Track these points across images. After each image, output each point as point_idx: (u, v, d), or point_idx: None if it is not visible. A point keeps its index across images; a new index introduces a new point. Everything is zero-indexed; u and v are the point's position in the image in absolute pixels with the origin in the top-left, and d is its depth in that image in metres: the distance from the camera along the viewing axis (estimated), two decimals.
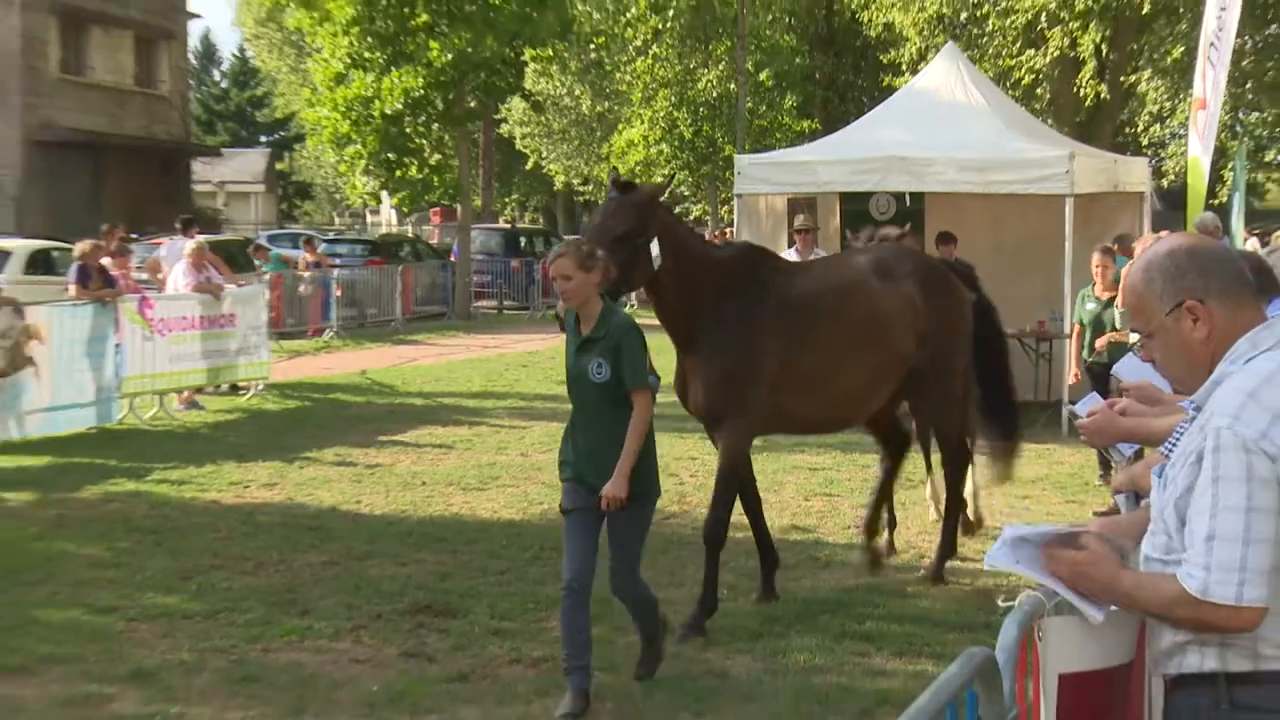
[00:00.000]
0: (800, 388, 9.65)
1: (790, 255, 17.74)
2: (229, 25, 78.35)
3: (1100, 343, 12.17)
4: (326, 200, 63.00)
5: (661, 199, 9.16)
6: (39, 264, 27.75)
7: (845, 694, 7.88)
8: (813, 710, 7.61)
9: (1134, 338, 6.62)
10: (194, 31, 62.11)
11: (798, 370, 9.23)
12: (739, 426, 9.59)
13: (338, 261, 36.23)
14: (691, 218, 49.23)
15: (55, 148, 47.07)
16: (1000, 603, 3.21)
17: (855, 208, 19.68)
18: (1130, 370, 5.87)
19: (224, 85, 78.00)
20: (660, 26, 44.30)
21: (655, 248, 9.06)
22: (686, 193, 48.54)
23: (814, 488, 13.94)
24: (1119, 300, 11.87)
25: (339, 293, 31.93)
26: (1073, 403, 5.46)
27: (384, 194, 43.81)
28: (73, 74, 49.01)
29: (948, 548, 10.75)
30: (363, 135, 36.40)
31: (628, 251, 8.80)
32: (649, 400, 7.22)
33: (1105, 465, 12.46)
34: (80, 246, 20.08)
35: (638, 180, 47.57)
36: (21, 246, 28.96)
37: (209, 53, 75.74)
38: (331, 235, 50.43)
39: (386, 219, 54.86)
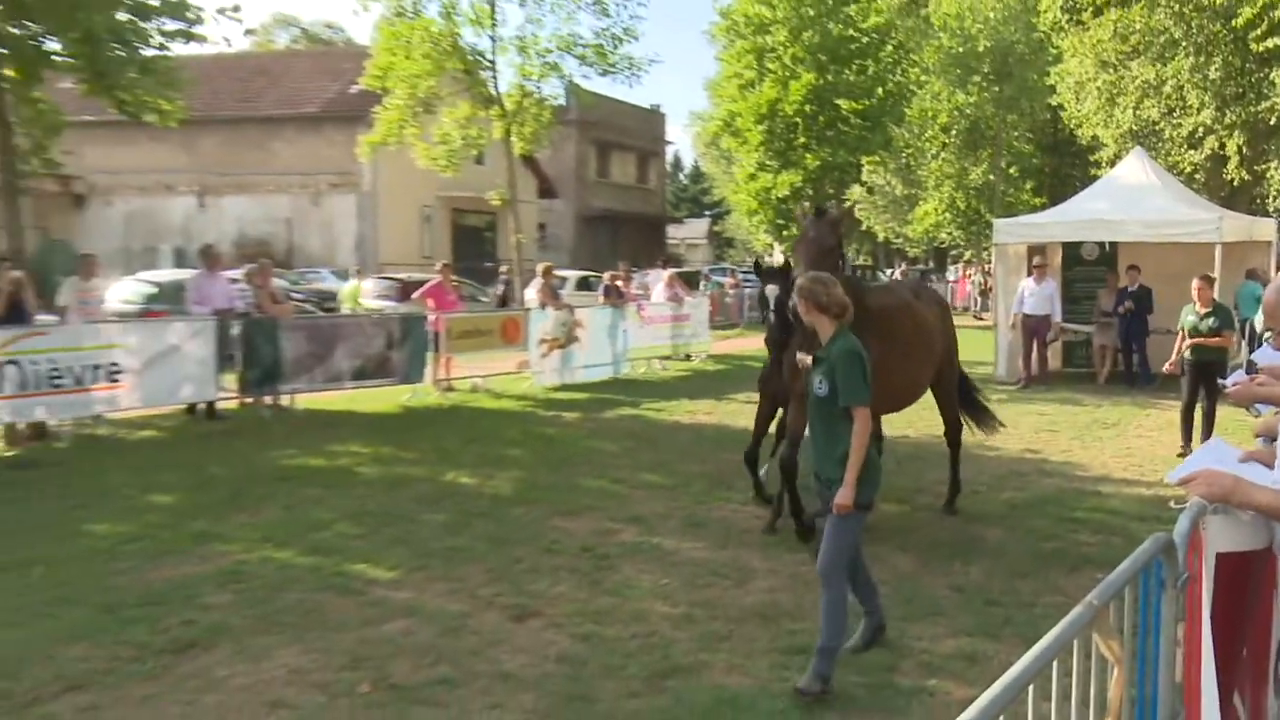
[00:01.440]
0: (885, 381, 7.07)
1: (1029, 283, 17.18)
2: (689, 147, 79.55)
3: (1187, 344, 11.15)
4: (742, 248, 63.56)
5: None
6: (582, 285, 28.89)
7: (1062, 555, 7.54)
8: (1040, 563, 7.32)
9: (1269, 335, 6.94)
10: (669, 151, 63.31)
11: (886, 367, 7.03)
12: (864, 413, 7.23)
13: (747, 284, 36.52)
14: (964, 260, 47.93)
15: (592, 219, 48.94)
16: (1173, 505, 3.07)
17: (1071, 252, 18.85)
18: (1265, 356, 6.24)
19: (685, 182, 79.64)
20: (946, 141, 43.14)
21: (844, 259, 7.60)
22: (962, 243, 47.10)
23: (1041, 426, 13.17)
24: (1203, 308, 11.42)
25: (749, 302, 31.77)
26: (1224, 379, 5.25)
27: (776, 244, 43.93)
28: (602, 178, 50.76)
29: (956, 486, 8.89)
30: (765, 210, 36.88)
31: (833, 261, 7.28)
32: (866, 415, 5.40)
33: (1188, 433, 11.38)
34: (607, 275, 21.11)
35: (929, 234, 46.88)
36: (573, 275, 30.19)
37: (677, 164, 77.30)
38: (744, 269, 51.13)
39: (778, 259, 55.07)
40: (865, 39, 34.74)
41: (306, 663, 5.39)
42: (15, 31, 13.60)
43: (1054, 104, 35.86)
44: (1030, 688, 2.23)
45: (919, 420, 12.85)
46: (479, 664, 5.39)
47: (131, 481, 9.68)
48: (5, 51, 13.53)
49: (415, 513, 8.52)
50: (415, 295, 18.68)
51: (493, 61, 24.53)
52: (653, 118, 55.76)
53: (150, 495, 9.19)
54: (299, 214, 35.93)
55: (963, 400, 9.40)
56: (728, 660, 5.48)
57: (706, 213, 74.82)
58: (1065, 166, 44.78)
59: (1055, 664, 2.40)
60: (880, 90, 35.10)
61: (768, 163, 35.83)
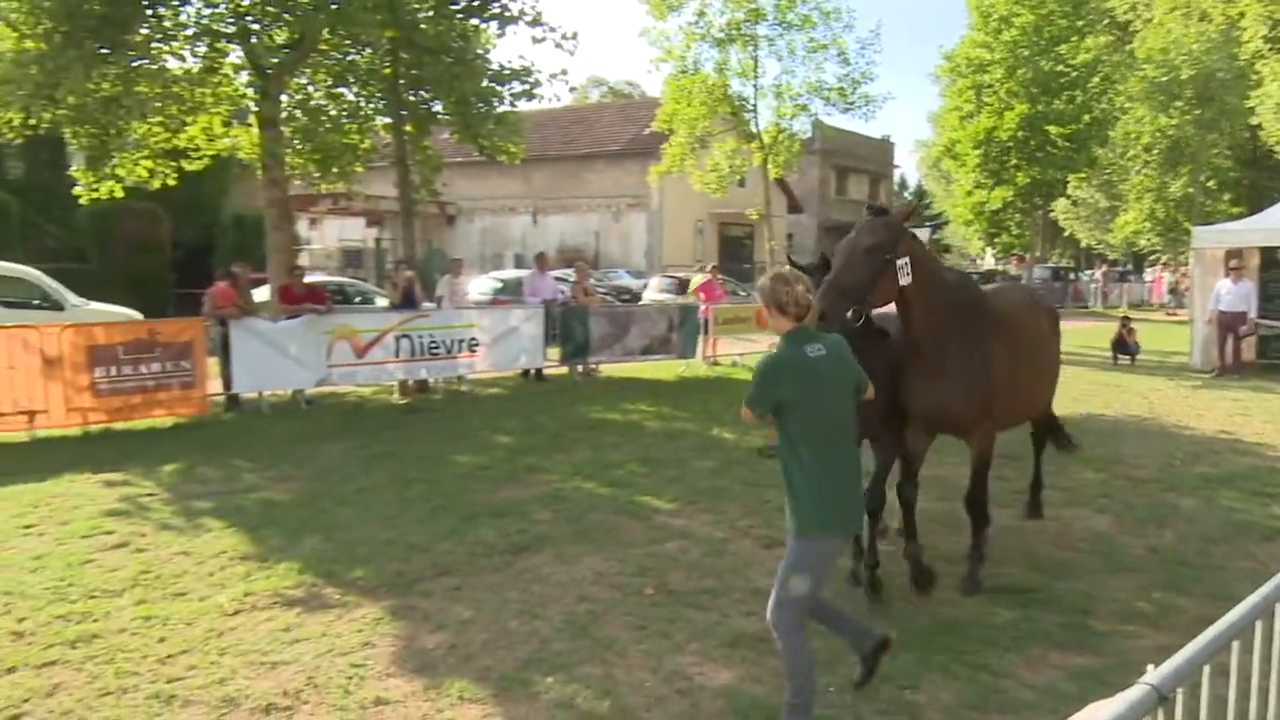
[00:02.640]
0: (1015, 393, 5.43)
1: (1226, 283, 15.16)
2: (914, 169, 75.80)
3: None
4: (958, 253, 59.99)
5: (908, 222, 5.12)
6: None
7: (1255, 526, 6.63)
8: (1233, 531, 6.46)
9: None
10: (896, 173, 60.53)
11: (1014, 378, 5.34)
12: (989, 431, 5.35)
13: None
14: (1160, 263, 42.79)
15: (831, 229, 47.45)
16: None
17: (1270, 255, 16.43)
18: None
19: (909, 198, 75.89)
20: (1147, 159, 38.76)
21: (905, 267, 4.94)
22: (1160, 248, 42.11)
23: (1235, 410, 11.56)
24: None
25: None
26: None
27: (988, 249, 41.16)
28: (840, 195, 49.22)
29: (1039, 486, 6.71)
30: (979, 221, 34.58)
31: (875, 265, 4.78)
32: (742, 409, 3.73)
33: None
34: None
35: (1128, 241, 42.36)
36: None
37: (903, 183, 73.80)
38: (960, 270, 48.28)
39: (988, 262, 51.36)
40: (1074, 73, 31.73)
41: (606, 568, 5.57)
42: (413, 99, 14.84)
43: (1254, 124, 31.53)
44: (1235, 643, 1.97)
45: (1114, 400, 11.73)
46: (736, 580, 5.39)
47: (484, 425, 10.34)
48: (405, 113, 14.78)
49: (688, 459, 8.58)
50: (690, 290, 18.91)
51: (754, 105, 24.60)
52: (883, 146, 53.47)
53: (496, 436, 9.76)
54: (604, 228, 37.20)
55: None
56: (942, 594, 5.21)
57: (927, 223, 71.08)
58: (1263, 179, 39.24)
59: (1259, 624, 2.11)
60: (1087, 116, 31.94)
61: (983, 181, 33.52)
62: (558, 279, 16.67)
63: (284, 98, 13.75)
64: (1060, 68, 31.60)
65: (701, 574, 5.47)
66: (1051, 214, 41.12)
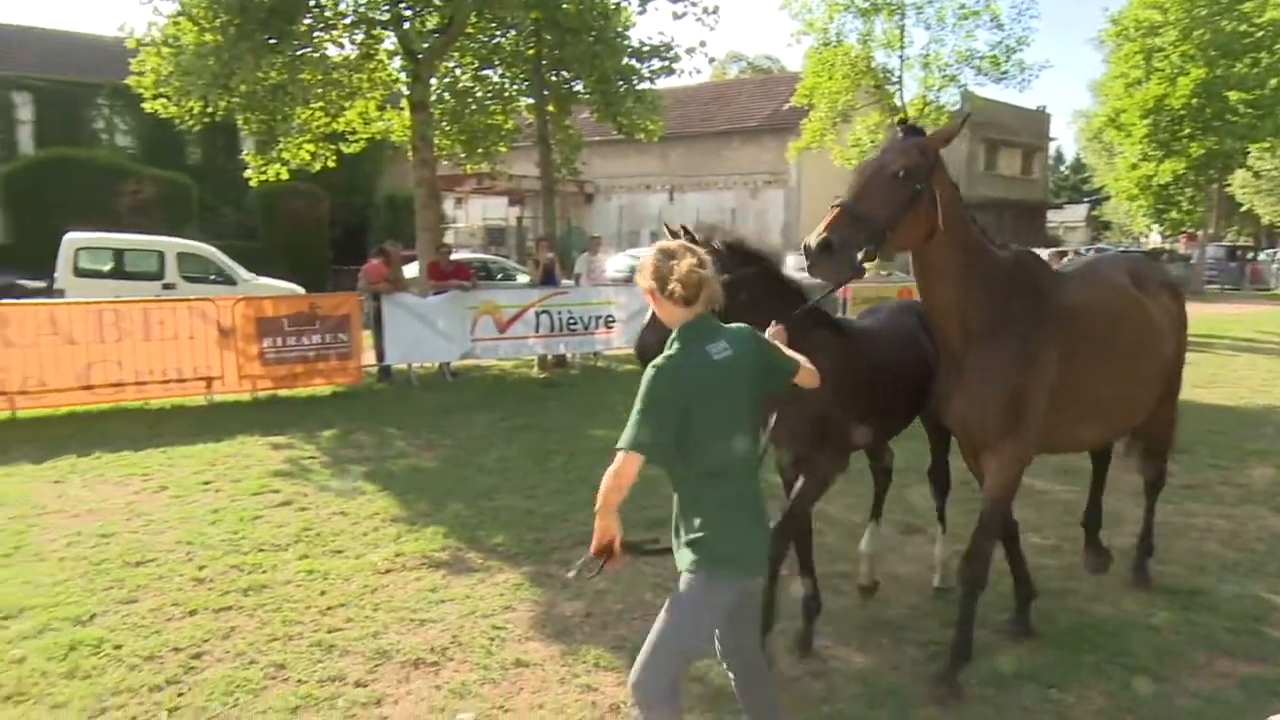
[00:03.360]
0: (1075, 406, 4.01)
1: None
2: (1071, 141, 71.55)
3: None
4: (1119, 230, 56.21)
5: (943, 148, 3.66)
6: None
7: None
8: None
9: None
10: (1051, 146, 57.22)
11: (1081, 386, 3.96)
12: (1015, 453, 3.89)
13: None
14: None
15: (978, 206, 45.50)
16: None
17: None
18: None
19: (1065, 172, 71.53)
20: None
21: (935, 203, 3.58)
22: None
23: None
24: None
25: None
26: None
27: (1154, 227, 38.36)
28: (989, 170, 46.95)
29: (1149, 541, 5.10)
30: (1145, 196, 32.25)
31: (905, 194, 3.46)
32: (624, 460, 2.67)
33: None
34: None
35: None
36: None
37: (1059, 157, 69.72)
38: (1120, 248, 45.16)
39: (1154, 240, 47.89)
40: (1260, 33, 28.96)
41: None
42: (555, 79, 15.12)
43: None
44: None
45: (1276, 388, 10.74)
46: (875, 565, 5.29)
47: (620, 400, 10.46)
48: (547, 93, 15.08)
49: None
50: None
51: (899, 77, 23.77)
52: (1038, 117, 50.52)
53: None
54: (740, 205, 36.87)
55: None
56: (1093, 590, 4.95)
57: (1086, 199, 66.86)
58: None
59: None
60: (1275, 80, 29.14)
61: (1150, 153, 31.15)
62: None
63: (433, 81, 14.27)
64: (1244, 28, 28.95)
65: (836, 558, 5.38)
66: (1228, 188, 37.82)
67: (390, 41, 13.98)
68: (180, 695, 3.77)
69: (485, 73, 15.41)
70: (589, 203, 38.90)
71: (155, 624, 4.43)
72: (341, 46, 13.83)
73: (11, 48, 26.58)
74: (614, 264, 20.12)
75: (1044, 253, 17.18)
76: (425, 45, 13.40)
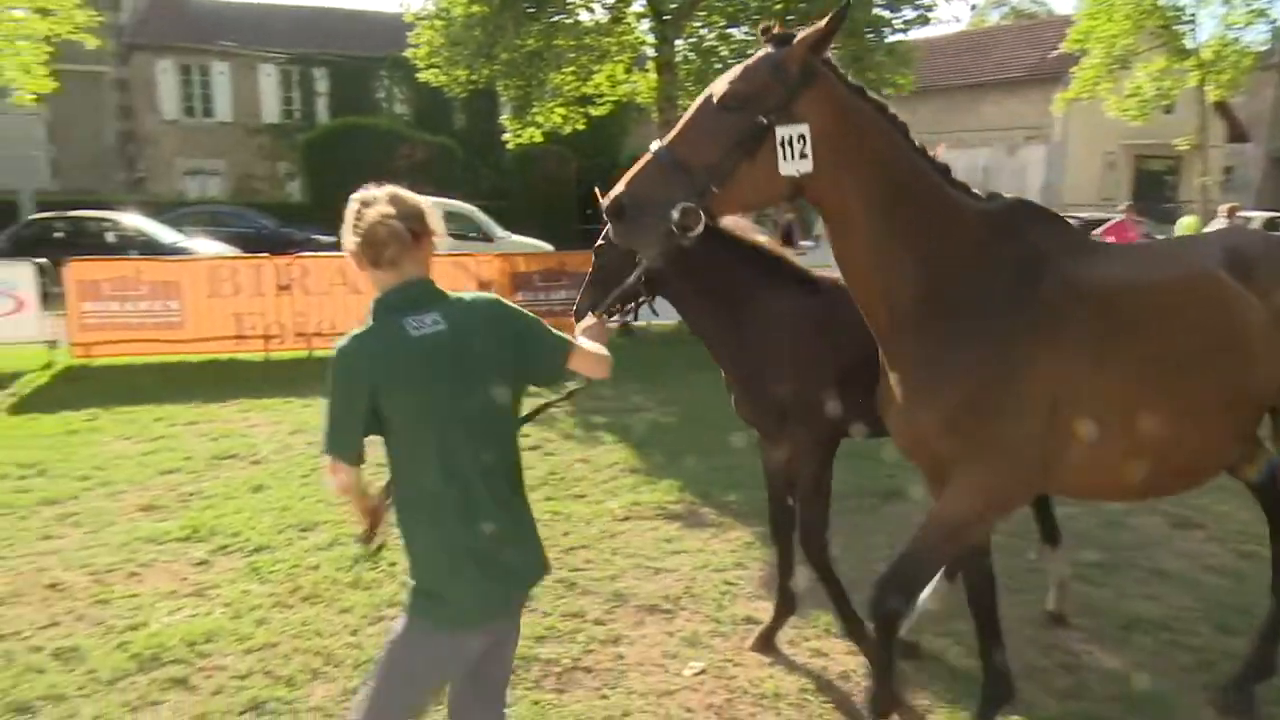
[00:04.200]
0: (1117, 434, 2.62)
1: None
2: None
3: None
4: None
5: (823, 53, 2.49)
6: (1270, 226, 23.63)
7: None
8: None
9: None
10: None
11: (1093, 402, 2.59)
12: (980, 481, 2.63)
13: None
14: None
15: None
16: None
17: None
18: None
19: None
20: None
21: (796, 142, 2.43)
22: None
23: None
24: None
25: None
26: None
27: None
28: None
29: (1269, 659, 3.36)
30: None
31: (736, 131, 2.41)
32: (336, 470, 2.18)
33: None
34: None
35: None
36: (1259, 215, 24.84)
37: None
38: None
39: None
40: None
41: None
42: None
43: None
44: None
45: None
46: (1137, 557, 4.84)
47: None
48: None
49: None
50: (1097, 232, 16.89)
51: (1193, 15, 20.98)
52: None
53: None
54: (995, 163, 34.41)
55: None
56: None
57: None
58: None
59: None
60: None
61: None
62: None
63: (678, 42, 14.39)
64: None
65: (1095, 546, 4.97)
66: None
67: (640, 4, 14.23)
68: None
69: (730, 31, 15.32)
70: None
71: None
72: (592, 11, 14.28)
73: (312, 27, 29.82)
74: None
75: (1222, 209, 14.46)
76: (674, 6, 13.52)
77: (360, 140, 24.84)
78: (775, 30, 2.59)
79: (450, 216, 17.15)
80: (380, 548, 2.36)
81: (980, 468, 2.65)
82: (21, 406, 8.21)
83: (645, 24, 14.68)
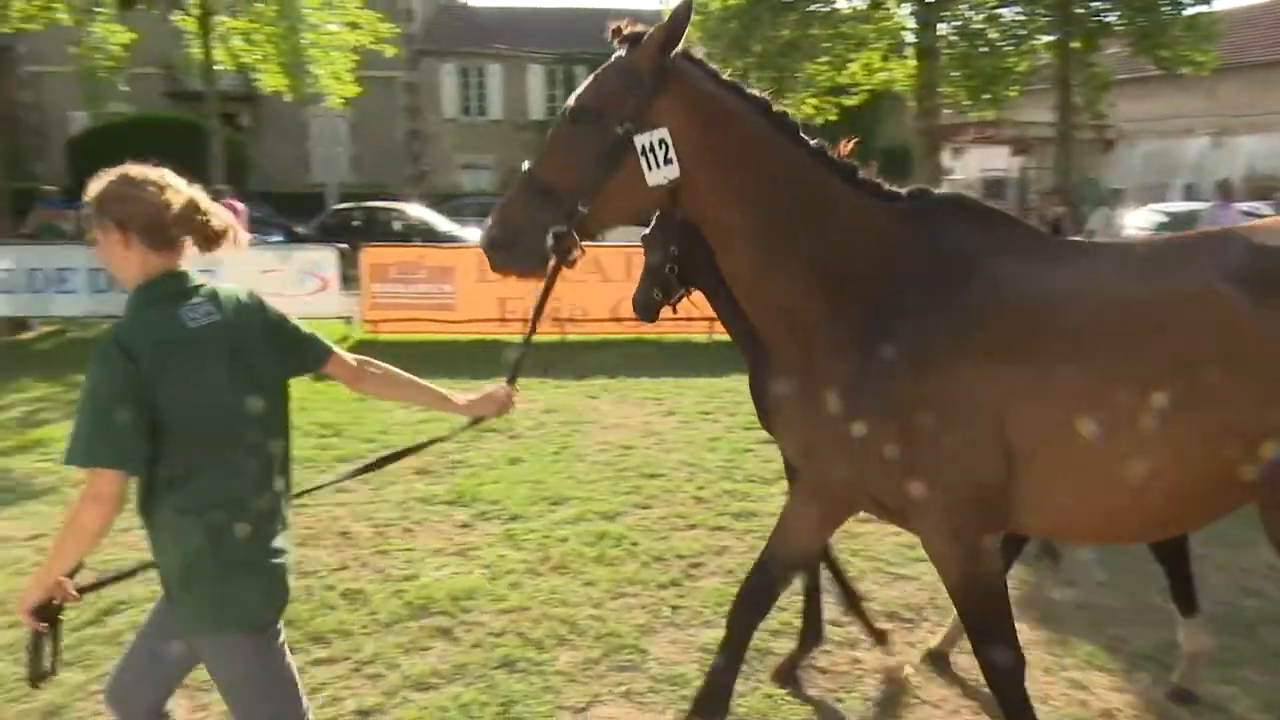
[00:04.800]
0: (1044, 471, 2.22)
1: None
2: None
3: None
4: None
5: (677, 50, 2.26)
6: None
7: None
8: None
9: None
10: None
11: (1021, 428, 2.19)
12: (937, 523, 2.34)
13: None
14: None
15: None
16: None
17: None
18: None
19: None
20: None
21: (657, 149, 2.25)
22: None
23: None
24: None
25: None
26: None
27: None
28: None
29: None
30: None
31: (595, 146, 2.27)
32: (94, 483, 1.92)
33: None
34: None
35: None
36: None
37: None
38: None
39: None
40: None
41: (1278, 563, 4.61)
42: (1082, 11, 13.55)
43: None
44: None
45: None
46: None
47: None
48: (1072, 29, 13.58)
49: None
50: None
51: None
52: None
53: None
54: None
55: None
56: None
57: None
58: None
59: None
60: None
61: None
62: (1245, 214, 13.90)
63: (941, 26, 13.70)
64: None
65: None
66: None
67: None
68: (680, 598, 4.25)
69: (1000, 12, 14.37)
70: (1107, 150, 34.51)
71: (663, 530, 5.04)
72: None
73: (574, 27, 31.40)
74: (1136, 220, 17.67)
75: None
76: None
77: None
78: (625, 30, 2.37)
79: None
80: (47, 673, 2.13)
81: (937, 510, 2.34)
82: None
83: (906, 8, 14.10)
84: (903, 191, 2.52)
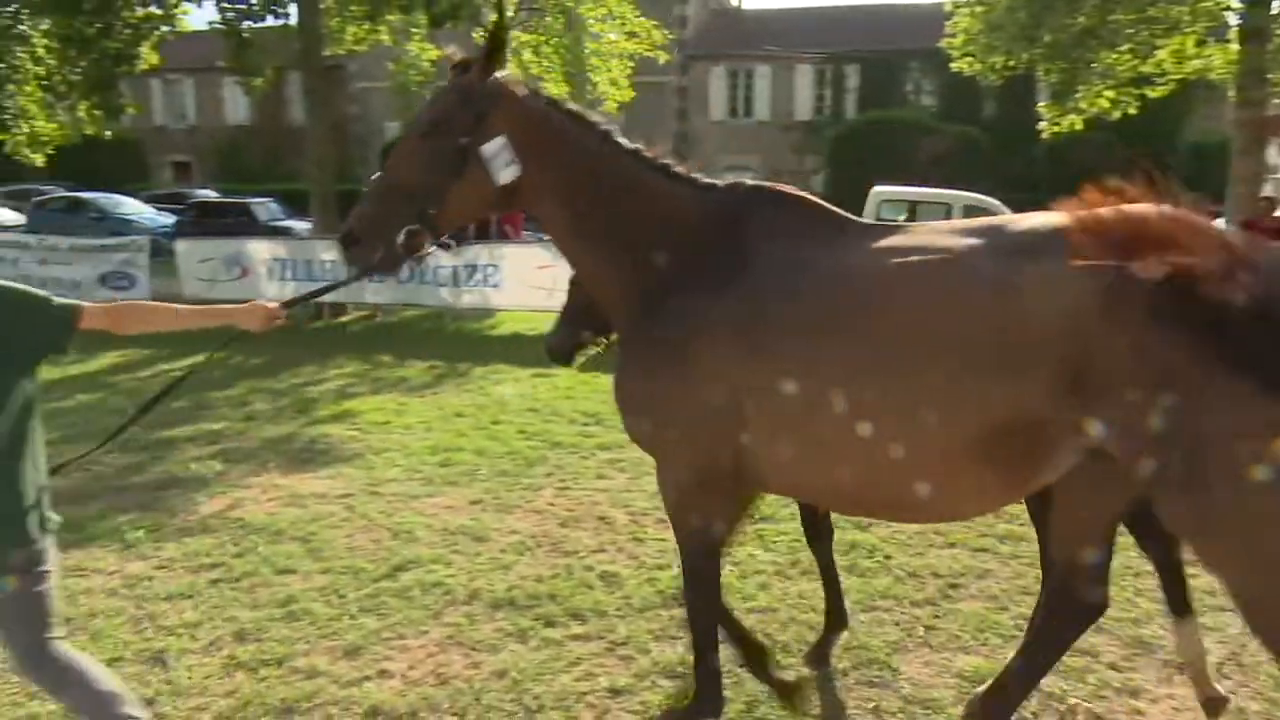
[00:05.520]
0: (791, 431, 2.15)
1: None
2: None
3: None
4: None
5: (493, 72, 2.49)
6: None
7: None
8: None
9: None
10: None
11: (782, 398, 2.11)
12: (661, 475, 2.58)
13: None
14: None
15: None
16: None
17: None
18: None
19: None
20: None
21: (500, 154, 2.50)
22: None
23: None
24: None
25: None
26: None
27: None
28: None
29: None
30: None
31: (445, 155, 2.52)
32: None
33: None
34: None
35: None
36: None
37: None
38: None
39: None
40: None
41: None
42: None
43: None
44: None
45: None
46: None
47: None
48: None
49: None
50: None
51: None
52: None
53: None
54: None
55: None
56: None
57: None
58: None
59: None
60: None
61: None
62: None
63: (1276, 4, 11.94)
64: None
65: None
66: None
67: None
68: (936, 618, 4.05)
69: None
70: None
71: (919, 545, 4.82)
72: None
73: (845, 25, 30.75)
74: None
75: None
76: None
77: (884, 133, 25.10)
78: (455, 59, 2.76)
79: (970, 210, 16.46)
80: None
81: (668, 469, 2.69)
82: (588, 366, 9.83)
83: None
84: (719, 183, 2.76)
